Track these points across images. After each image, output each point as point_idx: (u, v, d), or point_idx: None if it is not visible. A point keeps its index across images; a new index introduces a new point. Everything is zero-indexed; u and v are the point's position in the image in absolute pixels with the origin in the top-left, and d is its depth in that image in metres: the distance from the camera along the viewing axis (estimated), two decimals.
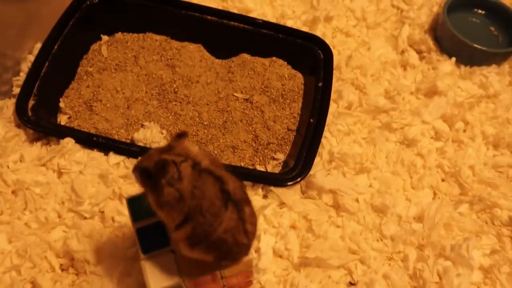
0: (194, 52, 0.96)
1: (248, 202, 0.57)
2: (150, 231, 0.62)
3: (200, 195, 0.55)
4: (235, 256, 0.59)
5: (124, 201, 0.75)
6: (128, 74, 0.93)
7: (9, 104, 0.84)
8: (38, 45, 0.91)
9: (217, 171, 0.56)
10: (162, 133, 0.86)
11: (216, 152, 0.85)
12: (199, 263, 0.60)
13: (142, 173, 0.56)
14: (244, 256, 0.59)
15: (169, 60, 0.94)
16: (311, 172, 0.79)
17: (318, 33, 0.98)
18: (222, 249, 0.56)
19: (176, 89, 0.91)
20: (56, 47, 0.89)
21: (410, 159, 0.83)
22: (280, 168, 0.84)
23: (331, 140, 0.85)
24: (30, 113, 0.83)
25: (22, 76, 0.88)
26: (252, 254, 0.62)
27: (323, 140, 0.83)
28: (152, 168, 0.55)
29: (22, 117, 0.81)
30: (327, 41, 0.93)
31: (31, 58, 0.89)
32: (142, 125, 0.87)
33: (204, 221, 0.55)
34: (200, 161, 0.56)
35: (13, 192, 0.76)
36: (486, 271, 0.73)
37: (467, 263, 0.71)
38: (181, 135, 0.58)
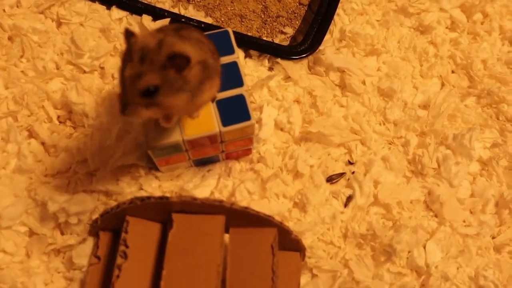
0: None
1: None
2: None
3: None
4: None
5: None
6: None
7: None
8: None
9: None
10: None
11: (222, 19, 0.81)
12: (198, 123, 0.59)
13: None
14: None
15: None
16: (320, 48, 0.76)
17: None
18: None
19: None
20: None
21: (423, 47, 0.81)
22: (288, 42, 0.81)
23: (344, 18, 0.82)
24: None
25: None
26: (253, 121, 0.60)
27: (335, 17, 0.80)
28: None
29: None
30: None
31: None
32: None
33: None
34: None
35: (9, 38, 0.73)
36: (484, 164, 0.73)
37: (467, 152, 0.71)
38: None
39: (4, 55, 0.71)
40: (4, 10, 0.74)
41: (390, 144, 0.73)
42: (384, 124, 0.74)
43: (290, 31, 0.82)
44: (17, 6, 0.75)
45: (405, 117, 0.74)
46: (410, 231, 0.65)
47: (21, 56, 0.72)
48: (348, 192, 0.68)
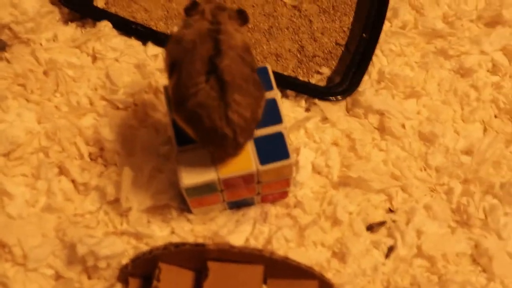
0: None
1: (242, 90, 0.52)
2: None
3: (191, 49, 0.52)
4: (218, 143, 0.54)
5: (160, 96, 0.71)
6: None
7: None
8: None
9: (228, 43, 0.52)
10: None
11: (258, 58, 0.80)
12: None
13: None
14: (231, 150, 0.55)
15: None
16: (358, 89, 0.74)
17: None
18: (198, 126, 0.53)
19: None
20: None
21: (464, 90, 0.78)
22: (324, 83, 0.80)
23: (382, 59, 0.80)
24: None
25: None
26: (292, 160, 0.57)
27: (373, 58, 0.78)
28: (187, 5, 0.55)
29: None
30: None
31: None
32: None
33: (180, 79, 0.52)
34: (222, 23, 0.53)
35: (44, 72, 0.72)
36: None
37: None
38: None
39: (39, 89, 0.71)
40: (41, 44, 0.73)
41: (432, 191, 0.70)
42: (425, 170, 0.71)
43: (326, 71, 0.81)
44: (54, 40, 0.74)
45: (448, 163, 0.71)
46: (457, 287, 0.61)
47: (55, 91, 0.71)
48: (390, 242, 0.65)
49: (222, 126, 0.51)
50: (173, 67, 0.54)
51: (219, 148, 0.55)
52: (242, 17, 0.55)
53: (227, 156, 0.56)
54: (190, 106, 0.51)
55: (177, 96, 0.53)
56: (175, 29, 0.77)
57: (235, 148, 0.55)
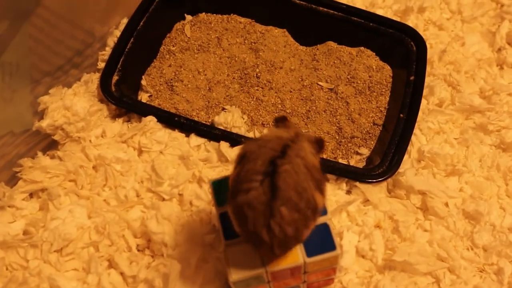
0: (278, 36, 0.93)
1: (291, 204, 0.50)
2: None
3: (263, 146, 0.52)
4: (258, 245, 0.53)
5: (203, 185, 0.73)
6: (210, 55, 0.91)
7: (94, 79, 0.84)
8: (125, 21, 0.90)
9: (297, 152, 0.52)
10: (243, 118, 0.83)
11: None
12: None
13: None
14: (269, 254, 0.55)
15: (253, 44, 0.91)
16: (399, 170, 0.75)
17: (410, 24, 0.93)
18: (241, 222, 0.52)
19: (259, 74, 0.88)
20: (141, 23, 0.88)
21: (507, 165, 0.77)
22: (364, 163, 0.80)
23: (421, 138, 0.80)
24: (113, 89, 0.82)
25: (108, 50, 0.87)
26: (339, 251, 0.57)
27: (412, 137, 0.78)
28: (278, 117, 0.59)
29: (106, 92, 0.80)
30: None
31: (117, 33, 0.88)
32: (223, 109, 0.84)
33: (241, 171, 0.51)
34: (300, 140, 0.54)
35: (94, 167, 0.75)
36: None
37: None
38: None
39: (88, 184, 0.74)
40: (90, 141, 0.77)
41: (481, 272, 0.69)
42: (472, 249, 0.70)
43: (365, 151, 0.81)
44: (102, 136, 0.78)
45: (496, 242, 0.70)
46: None
47: (104, 185, 0.74)
48: None
49: (262, 232, 0.50)
50: (241, 159, 0.53)
51: (254, 244, 0.55)
52: (319, 144, 0.56)
53: (272, 256, 0.56)
54: (240, 202, 0.51)
55: (233, 187, 0.52)
56: (218, 119, 0.81)
57: (268, 251, 0.54)
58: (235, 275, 0.57)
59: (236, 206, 0.51)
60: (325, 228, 0.59)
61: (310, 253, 0.57)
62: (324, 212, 0.60)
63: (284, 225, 0.50)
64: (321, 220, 0.59)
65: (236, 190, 0.51)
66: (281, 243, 0.52)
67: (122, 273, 0.67)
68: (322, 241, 0.58)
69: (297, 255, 0.57)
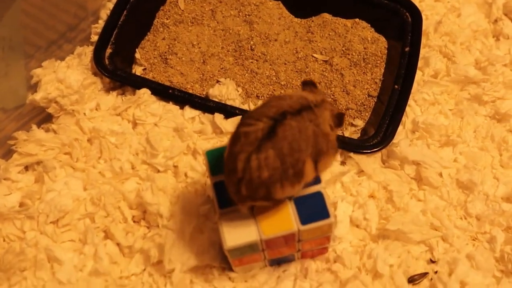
0: (273, 9, 0.92)
1: (278, 153, 0.52)
2: None
3: (275, 101, 0.55)
4: (229, 174, 0.54)
5: (198, 157, 0.73)
6: (204, 28, 0.90)
7: (87, 52, 0.83)
8: None
9: (310, 116, 0.54)
10: (238, 91, 0.83)
11: None
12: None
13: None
14: (233, 190, 0.55)
15: (247, 16, 0.91)
16: (393, 141, 0.75)
17: None
18: (232, 147, 0.54)
19: (253, 46, 0.87)
20: None
21: (501, 135, 0.77)
22: (359, 135, 0.80)
23: (416, 109, 0.80)
24: (107, 62, 0.81)
25: (101, 23, 0.87)
26: (333, 219, 0.58)
27: (406, 108, 0.78)
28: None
29: (100, 65, 0.80)
30: None
31: (110, 5, 0.87)
32: (218, 81, 0.84)
33: (254, 111, 0.55)
34: (320, 108, 0.55)
35: (88, 140, 0.75)
36: None
37: None
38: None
39: (84, 157, 0.74)
40: (84, 114, 0.77)
41: (474, 240, 0.69)
42: (466, 218, 0.71)
43: (360, 123, 0.81)
44: (97, 109, 0.78)
45: (489, 211, 0.70)
46: None
47: (99, 157, 0.74)
48: None
49: (240, 159, 0.52)
50: (262, 104, 0.56)
51: (229, 186, 0.55)
52: (339, 118, 0.57)
53: (265, 208, 0.57)
54: (241, 130, 0.53)
55: (242, 119, 0.55)
56: (213, 92, 0.81)
57: (238, 192, 0.54)
58: (229, 243, 0.57)
59: (237, 132, 0.54)
60: (319, 196, 0.60)
61: (304, 220, 0.58)
62: (318, 180, 0.60)
63: (262, 164, 0.51)
64: (315, 188, 0.60)
65: (243, 122, 0.54)
66: (250, 183, 0.52)
67: (118, 244, 0.68)
68: (316, 209, 0.59)
69: (291, 223, 0.58)
